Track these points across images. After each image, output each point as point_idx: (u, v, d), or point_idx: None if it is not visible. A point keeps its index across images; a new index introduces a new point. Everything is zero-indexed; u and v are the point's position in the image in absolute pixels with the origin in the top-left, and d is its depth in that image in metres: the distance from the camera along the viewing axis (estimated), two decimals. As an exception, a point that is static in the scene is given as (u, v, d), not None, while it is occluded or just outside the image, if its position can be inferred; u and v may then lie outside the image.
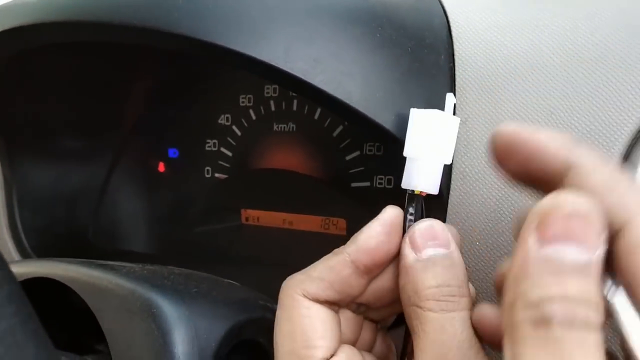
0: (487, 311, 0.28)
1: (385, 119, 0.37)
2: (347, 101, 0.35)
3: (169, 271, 0.40)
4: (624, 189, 0.22)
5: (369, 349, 0.37)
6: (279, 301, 0.33)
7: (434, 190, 0.35)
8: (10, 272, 0.18)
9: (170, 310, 0.34)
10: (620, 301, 0.21)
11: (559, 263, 0.20)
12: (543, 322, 0.19)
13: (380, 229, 0.32)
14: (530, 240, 0.21)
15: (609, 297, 0.21)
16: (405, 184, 0.35)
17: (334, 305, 0.32)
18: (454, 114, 0.40)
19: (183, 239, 0.66)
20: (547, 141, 0.24)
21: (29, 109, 0.53)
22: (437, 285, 0.29)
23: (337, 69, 0.35)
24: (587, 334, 0.19)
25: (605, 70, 0.37)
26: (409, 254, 0.31)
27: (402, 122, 0.37)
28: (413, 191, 0.35)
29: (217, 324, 0.35)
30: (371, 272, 0.32)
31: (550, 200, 0.21)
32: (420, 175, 0.35)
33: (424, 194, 0.35)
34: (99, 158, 0.64)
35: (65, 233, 0.61)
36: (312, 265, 0.33)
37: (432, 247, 0.30)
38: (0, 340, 0.15)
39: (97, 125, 0.61)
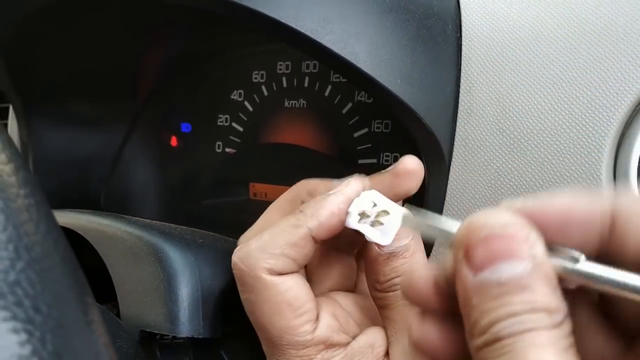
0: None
1: (390, 82, 0.38)
2: (354, 62, 0.36)
3: (176, 226, 0.41)
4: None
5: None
6: (242, 281, 0.32)
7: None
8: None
9: (175, 255, 0.35)
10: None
11: (497, 284, 0.20)
12: (495, 341, 0.19)
13: (344, 206, 0.32)
14: (464, 271, 0.20)
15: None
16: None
17: None
18: (459, 87, 0.41)
19: (191, 210, 0.68)
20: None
21: (46, 71, 0.55)
22: None
23: (345, 29, 0.36)
24: (538, 336, 0.19)
25: (608, 43, 0.37)
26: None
27: (407, 87, 0.38)
28: None
29: (221, 272, 0.36)
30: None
31: (467, 226, 0.21)
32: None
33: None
34: (113, 128, 0.66)
35: (76, 198, 0.62)
36: (266, 236, 0.32)
37: None
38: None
39: (113, 93, 0.63)
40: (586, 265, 0.20)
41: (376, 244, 0.33)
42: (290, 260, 0.32)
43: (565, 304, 0.20)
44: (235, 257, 0.32)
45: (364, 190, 0.34)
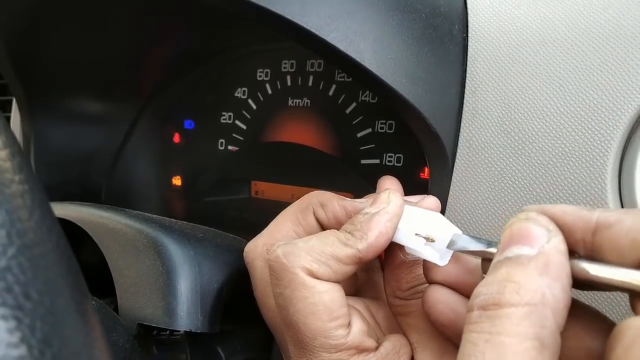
0: None
1: (395, 81, 0.37)
2: (359, 60, 0.36)
3: (177, 220, 0.41)
4: None
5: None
6: (279, 276, 0.32)
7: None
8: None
9: (175, 249, 0.35)
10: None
11: (505, 259, 0.23)
12: (470, 310, 0.23)
13: (390, 224, 0.32)
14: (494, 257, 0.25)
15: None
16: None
17: None
18: (464, 87, 0.41)
19: (193, 207, 0.68)
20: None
21: (51, 64, 0.55)
22: None
23: (351, 27, 0.36)
24: (508, 310, 0.21)
25: (615, 46, 0.37)
26: None
27: (412, 86, 0.38)
28: None
29: (220, 267, 0.36)
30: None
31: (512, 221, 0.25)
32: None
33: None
34: (116, 123, 0.66)
35: (78, 193, 0.62)
36: (314, 241, 0.32)
37: None
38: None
39: (117, 89, 0.63)
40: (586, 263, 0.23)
41: (402, 252, 0.33)
42: (332, 271, 0.31)
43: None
44: (279, 250, 0.32)
45: (404, 205, 0.33)
